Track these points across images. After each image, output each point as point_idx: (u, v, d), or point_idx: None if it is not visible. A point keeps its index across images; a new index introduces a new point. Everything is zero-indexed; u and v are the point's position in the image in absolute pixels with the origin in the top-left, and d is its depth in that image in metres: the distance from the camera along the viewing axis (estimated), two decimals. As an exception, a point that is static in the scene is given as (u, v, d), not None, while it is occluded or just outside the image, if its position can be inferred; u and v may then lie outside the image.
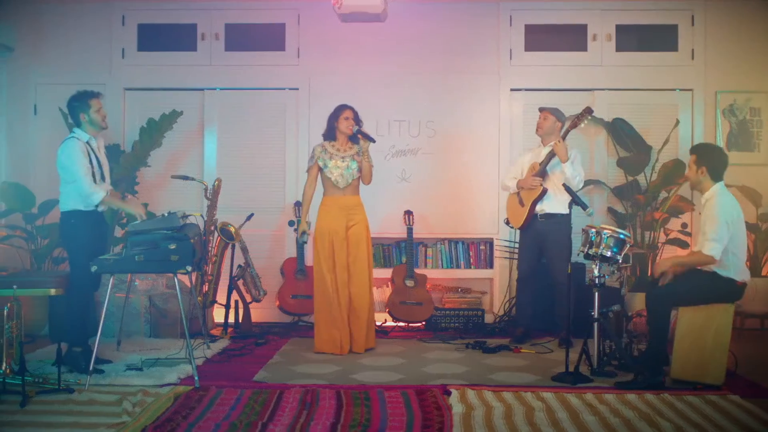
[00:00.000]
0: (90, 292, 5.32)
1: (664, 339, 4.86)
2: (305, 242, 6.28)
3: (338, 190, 5.87)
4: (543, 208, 6.04)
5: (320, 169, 5.88)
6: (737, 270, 4.81)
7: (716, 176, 4.88)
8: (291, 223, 6.99)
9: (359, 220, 5.90)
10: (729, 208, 4.76)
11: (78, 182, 5.04)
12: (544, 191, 6.00)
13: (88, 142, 5.17)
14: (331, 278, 5.77)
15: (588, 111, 6.01)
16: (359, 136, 5.88)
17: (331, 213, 5.85)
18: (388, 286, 7.09)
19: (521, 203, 6.17)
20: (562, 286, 5.89)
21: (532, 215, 6.08)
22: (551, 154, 5.98)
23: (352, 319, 5.84)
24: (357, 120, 5.92)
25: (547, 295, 6.28)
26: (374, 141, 5.92)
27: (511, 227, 6.46)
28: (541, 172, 6.01)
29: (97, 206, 5.12)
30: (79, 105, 5.18)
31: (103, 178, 5.24)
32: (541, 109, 6.24)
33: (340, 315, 5.78)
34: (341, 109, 5.92)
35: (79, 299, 5.18)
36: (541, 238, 6.08)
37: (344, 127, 5.88)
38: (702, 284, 4.83)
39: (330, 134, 5.96)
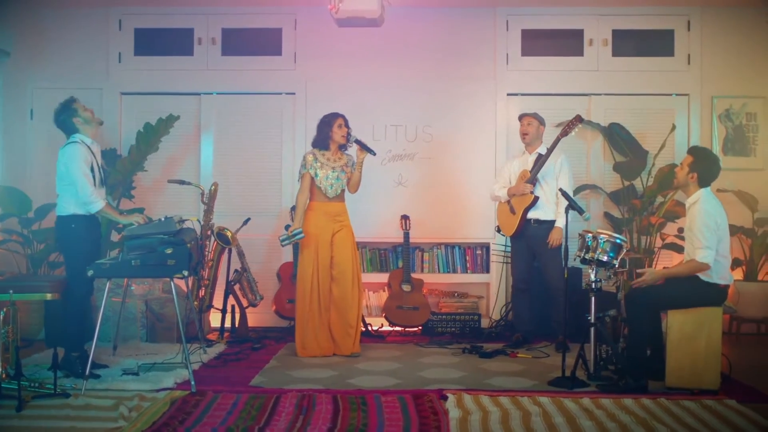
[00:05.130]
0: (87, 296, 5.31)
1: (644, 342, 4.89)
2: (299, 238, 5.77)
3: (326, 198, 5.86)
4: (536, 215, 6.05)
5: (311, 177, 5.85)
6: (720, 275, 4.83)
7: (704, 184, 4.93)
8: (287, 228, 6.97)
9: (344, 225, 5.92)
10: (714, 213, 4.80)
11: (79, 188, 4.99)
12: (536, 199, 6.01)
13: (90, 147, 5.16)
14: (313, 281, 5.79)
15: (578, 119, 6.00)
16: (357, 147, 5.85)
17: (320, 219, 5.85)
18: (384, 291, 7.09)
19: (512, 211, 6.16)
20: (557, 291, 5.92)
21: (524, 223, 6.08)
22: (541, 161, 5.98)
23: (334, 321, 5.85)
24: (348, 127, 5.88)
25: (543, 300, 6.28)
26: (374, 153, 5.92)
27: (503, 235, 6.44)
28: (532, 179, 6.01)
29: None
30: (66, 112, 5.17)
31: (102, 183, 5.24)
32: (522, 116, 6.23)
33: (319, 317, 5.80)
34: (334, 117, 5.88)
35: (77, 304, 5.17)
36: (534, 244, 6.08)
37: (338, 137, 5.85)
38: (684, 288, 4.84)
39: (323, 143, 5.90)
